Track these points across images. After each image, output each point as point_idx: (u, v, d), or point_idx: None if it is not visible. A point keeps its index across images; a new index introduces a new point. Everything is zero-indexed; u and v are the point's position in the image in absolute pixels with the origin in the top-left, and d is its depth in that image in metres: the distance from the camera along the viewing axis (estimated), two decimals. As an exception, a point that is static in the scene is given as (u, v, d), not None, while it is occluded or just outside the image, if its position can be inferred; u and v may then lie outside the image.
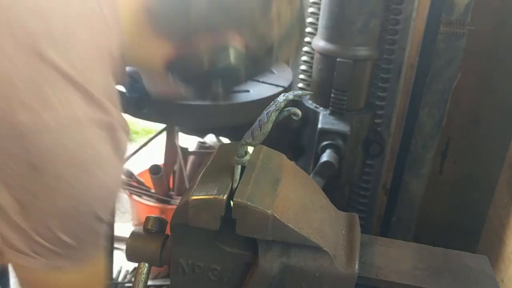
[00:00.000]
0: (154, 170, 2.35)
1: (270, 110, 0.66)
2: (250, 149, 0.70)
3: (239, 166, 0.68)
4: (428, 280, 0.68)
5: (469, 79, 1.66)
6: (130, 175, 2.48)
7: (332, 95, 1.32)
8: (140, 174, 2.54)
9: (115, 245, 2.14)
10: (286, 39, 0.86)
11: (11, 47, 0.63)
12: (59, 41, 0.66)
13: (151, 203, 2.35)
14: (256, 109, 1.40)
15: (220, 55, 0.78)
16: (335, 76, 1.31)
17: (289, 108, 0.68)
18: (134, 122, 4.08)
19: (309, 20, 1.51)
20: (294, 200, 0.68)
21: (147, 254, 0.72)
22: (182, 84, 0.85)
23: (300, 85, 1.60)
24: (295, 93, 0.69)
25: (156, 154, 2.60)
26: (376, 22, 1.31)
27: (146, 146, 2.42)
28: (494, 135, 1.76)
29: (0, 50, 0.63)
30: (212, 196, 0.64)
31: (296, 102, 1.45)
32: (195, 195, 0.64)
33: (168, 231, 0.70)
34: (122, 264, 2.34)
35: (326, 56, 1.34)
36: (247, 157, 0.69)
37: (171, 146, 2.26)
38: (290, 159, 0.76)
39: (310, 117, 1.39)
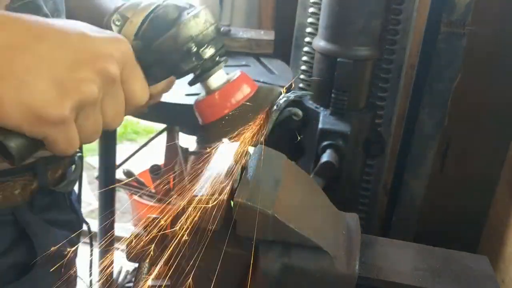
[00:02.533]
0: (155, 170, 2.35)
1: (270, 110, 0.66)
2: (251, 149, 0.70)
3: (240, 166, 0.69)
4: (429, 281, 0.68)
5: (470, 79, 1.65)
6: (130, 175, 2.48)
7: (332, 95, 1.32)
8: (141, 174, 2.55)
9: (116, 245, 2.15)
10: None
11: None
12: None
13: (151, 203, 2.35)
14: (256, 109, 1.40)
15: None
16: (335, 76, 1.30)
17: (289, 108, 0.68)
18: (134, 122, 4.08)
19: (310, 20, 1.51)
20: (295, 200, 0.68)
21: (148, 254, 0.72)
22: None
23: (301, 85, 1.60)
24: (296, 93, 0.69)
25: (156, 154, 2.60)
26: (376, 22, 1.31)
27: (147, 146, 2.43)
28: (495, 135, 1.76)
29: None
30: (213, 196, 0.64)
31: (296, 102, 1.45)
32: (195, 195, 0.64)
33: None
34: (122, 264, 2.35)
35: (327, 56, 1.34)
36: (247, 157, 0.69)
37: (172, 146, 2.27)
38: (290, 159, 0.76)
39: (310, 117, 1.39)
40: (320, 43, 1.36)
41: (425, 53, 1.44)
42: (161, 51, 0.64)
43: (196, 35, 0.64)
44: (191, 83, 0.70)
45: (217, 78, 0.69)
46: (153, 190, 2.42)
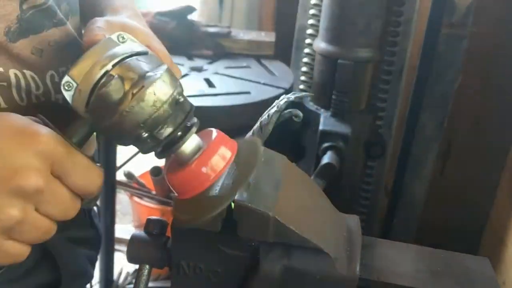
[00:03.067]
0: (155, 171, 2.35)
1: (271, 112, 0.66)
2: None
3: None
4: (429, 283, 0.68)
5: (470, 81, 1.65)
6: (131, 176, 2.48)
7: (333, 96, 1.32)
8: (141, 175, 2.54)
9: (116, 246, 2.14)
10: None
11: None
12: None
13: (152, 204, 2.35)
14: (257, 111, 1.40)
15: None
16: (336, 78, 1.30)
17: (290, 109, 0.68)
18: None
19: (310, 21, 1.51)
20: (296, 202, 0.68)
21: (148, 256, 0.72)
22: None
23: (301, 86, 1.60)
24: (296, 94, 0.69)
25: (157, 155, 2.61)
26: (377, 23, 1.31)
27: (147, 147, 2.43)
28: (496, 137, 1.76)
29: None
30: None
31: (297, 104, 1.45)
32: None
33: (169, 232, 0.70)
34: (123, 266, 2.34)
35: (327, 58, 1.34)
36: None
37: (172, 148, 2.27)
38: (291, 160, 0.76)
39: (311, 118, 1.39)
40: (320, 44, 1.36)
41: (426, 54, 1.44)
42: (111, 134, 0.56)
43: (144, 121, 0.53)
44: (157, 156, 0.60)
45: (187, 148, 0.58)
46: (154, 192, 2.42)
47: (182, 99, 0.56)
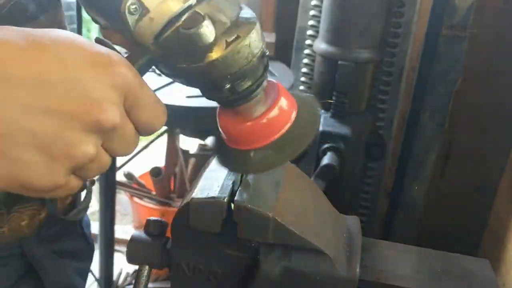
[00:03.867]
0: (155, 172, 2.35)
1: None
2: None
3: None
4: (429, 284, 0.68)
5: (471, 82, 1.65)
6: (131, 177, 2.48)
7: (333, 97, 1.32)
8: (141, 176, 2.55)
9: (116, 247, 2.15)
10: None
11: None
12: None
13: (152, 205, 2.35)
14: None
15: None
16: (336, 79, 1.31)
17: (290, 110, 0.67)
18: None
19: (311, 22, 1.51)
20: (295, 203, 0.68)
21: (148, 257, 0.72)
22: None
23: (302, 87, 1.60)
24: (297, 95, 0.68)
25: (157, 156, 2.60)
26: (377, 25, 1.31)
27: (147, 148, 2.43)
28: (496, 139, 1.76)
29: None
30: (213, 199, 0.64)
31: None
32: (196, 197, 0.64)
33: (169, 233, 0.70)
34: (122, 267, 2.34)
35: (328, 59, 1.34)
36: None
37: (172, 149, 2.27)
38: (291, 161, 0.76)
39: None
40: (321, 45, 1.36)
41: (426, 56, 1.44)
42: (185, 76, 0.51)
43: (232, 73, 0.49)
44: (223, 105, 0.57)
45: (257, 103, 0.55)
46: (154, 192, 2.42)
47: (267, 52, 0.53)
